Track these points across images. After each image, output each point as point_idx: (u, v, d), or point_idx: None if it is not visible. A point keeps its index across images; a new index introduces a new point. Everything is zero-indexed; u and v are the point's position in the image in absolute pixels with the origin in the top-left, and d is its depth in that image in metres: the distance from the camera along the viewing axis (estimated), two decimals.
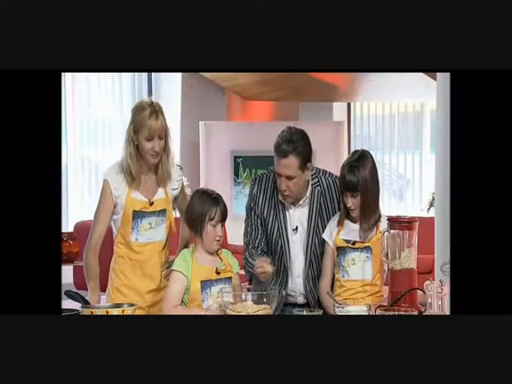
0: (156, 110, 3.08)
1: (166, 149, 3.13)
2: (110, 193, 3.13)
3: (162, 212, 3.19)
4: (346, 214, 3.14)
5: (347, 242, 3.12)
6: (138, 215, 3.14)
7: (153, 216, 3.17)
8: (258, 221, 3.22)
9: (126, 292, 3.17)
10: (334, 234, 3.14)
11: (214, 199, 3.08)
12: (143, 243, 3.18)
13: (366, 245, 3.10)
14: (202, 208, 3.05)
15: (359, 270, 3.10)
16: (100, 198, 3.17)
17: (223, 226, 3.10)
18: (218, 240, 3.07)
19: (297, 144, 3.08)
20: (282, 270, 3.25)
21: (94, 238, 3.15)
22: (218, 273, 3.05)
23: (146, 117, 3.06)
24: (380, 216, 3.12)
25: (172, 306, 2.96)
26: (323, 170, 3.27)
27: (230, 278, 3.04)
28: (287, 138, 3.08)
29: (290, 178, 3.11)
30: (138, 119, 3.08)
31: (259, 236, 3.21)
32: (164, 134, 3.10)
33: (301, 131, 3.14)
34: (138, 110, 3.10)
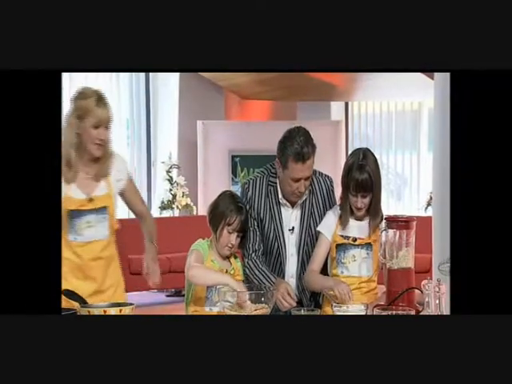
0: (103, 98, 2.97)
1: (108, 145, 3.02)
2: None
3: (103, 209, 3.04)
4: (349, 214, 3.10)
5: (347, 238, 3.11)
6: (73, 214, 2.99)
7: (91, 214, 3.02)
8: (255, 223, 3.21)
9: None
10: (333, 229, 3.13)
11: (239, 207, 3.09)
12: (82, 243, 3.03)
13: (367, 241, 3.10)
14: (224, 209, 3.07)
15: (359, 266, 3.10)
16: None
17: (239, 237, 3.11)
18: (230, 247, 3.09)
19: (312, 142, 3.07)
20: (278, 271, 3.25)
21: None
22: None
23: (93, 103, 2.93)
24: (383, 214, 3.12)
25: (193, 265, 2.97)
26: (313, 170, 3.26)
27: None
28: (305, 140, 3.04)
29: (308, 178, 3.11)
30: (83, 106, 2.94)
31: (258, 239, 3.21)
32: (109, 125, 2.98)
33: (303, 128, 3.14)
34: (81, 96, 2.97)
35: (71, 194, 2.98)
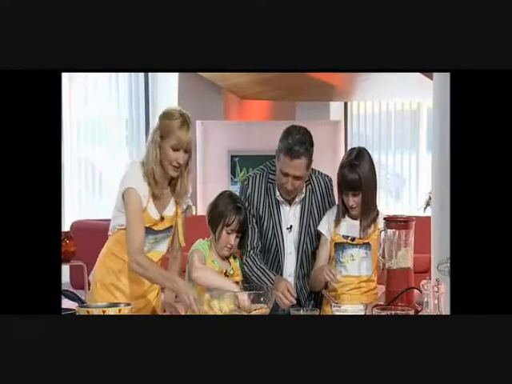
0: (187, 122, 3.00)
1: (187, 164, 3.05)
2: (140, 201, 2.99)
3: (169, 228, 3.11)
4: (344, 213, 3.14)
5: (345, 237, 3.13)
6: (145, 230, 3.04)
7: (159, 233, 3.09)
8: (254, 220, 3.22)
9: (115, 293, 3.09)
10: (332, 229, 3.15)
11: (237, 207, 3.10)
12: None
13: (365, 241, 3.11)
14: (223, 209, 3.09)
15: (358, 266, 3.11)
16: (130, 207, 2.99)
17: (238, 237, 3.11)
18: (229, 248, 3.10)
19: (307, 145, 3.09)
20: (276, 269, 3.26)
21: (137, 247, 2.97)
22: (227, 276, 3.07)
23: (176, 125, 2.97)
24: (378, 212, 3.13)
25: (197, 266, 3.00)
26: (313, 169, 3.27)
27: (237, 283, 3.03)
28: (299, 140, 3.07)
29: (298, 178, 3.12)
30: (166, 125, 2.98)
31: (256, 236, 3.22)
32: (190, 149, 3.02)
33: (306, 129, 3.15)
34: (167, 116, 3.01)
35: (149, 210, 3.04)
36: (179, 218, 3.13)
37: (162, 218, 3.07)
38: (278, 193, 3.21)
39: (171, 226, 3.12)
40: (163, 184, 3.05)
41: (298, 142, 3.07)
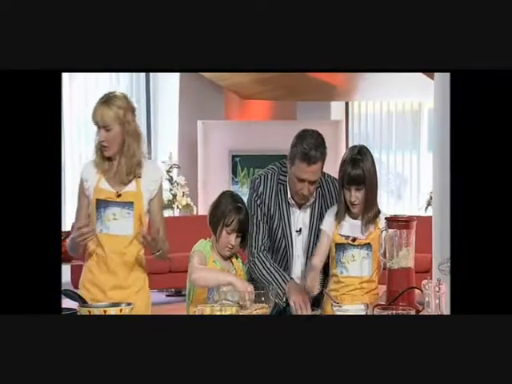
0: (106, 99, 3.01)
1: (124, 143, 3.03)
2: (82, 187, 3.11)
3: (129, 204, 3.07)
4: (345, 211, 3.12)
5: (346, 238, 3.11)
6: (101, 204, 3.05)
7: (117, 207, 3.06)
8: (265, 218, 3.21)
9: (91, 288, 3.09)
10: (333, 229, 3.14)
11: (238, 207, 3.09)
12: (107, 235, 3.06)
13: (366, 242, 3.10)
14: (223, 209, 3.08)
15: (358, 266, 3.10)
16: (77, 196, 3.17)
17: (238, 237, 3.11)
18: (230, 248, 3.09)
19: (322, 148, 3.08)
20: (284, 271, 3.24)
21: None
22: None
23: (96, 104, 3.02)
24: (379, 211, 3.13)
25: (196, 268, 3.00)
26: (321, 172, 3.26)
27: None
28: (315, 144, 3.05)
29: (313, 182, 3.11)
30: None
31: (266, 232, 3.20)
32: (110, 127, 3.00)
33: (318, 133, 3.14)
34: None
35: (101, 186, 3.07)
36: (140, 198, 3.08)
37: (119, 195, 3.07)
38: (289, 195, 3.20)
39: (131, 203, 3.07)
40: (104, 163, 3.07)
41: (314, 146, 3.05)
